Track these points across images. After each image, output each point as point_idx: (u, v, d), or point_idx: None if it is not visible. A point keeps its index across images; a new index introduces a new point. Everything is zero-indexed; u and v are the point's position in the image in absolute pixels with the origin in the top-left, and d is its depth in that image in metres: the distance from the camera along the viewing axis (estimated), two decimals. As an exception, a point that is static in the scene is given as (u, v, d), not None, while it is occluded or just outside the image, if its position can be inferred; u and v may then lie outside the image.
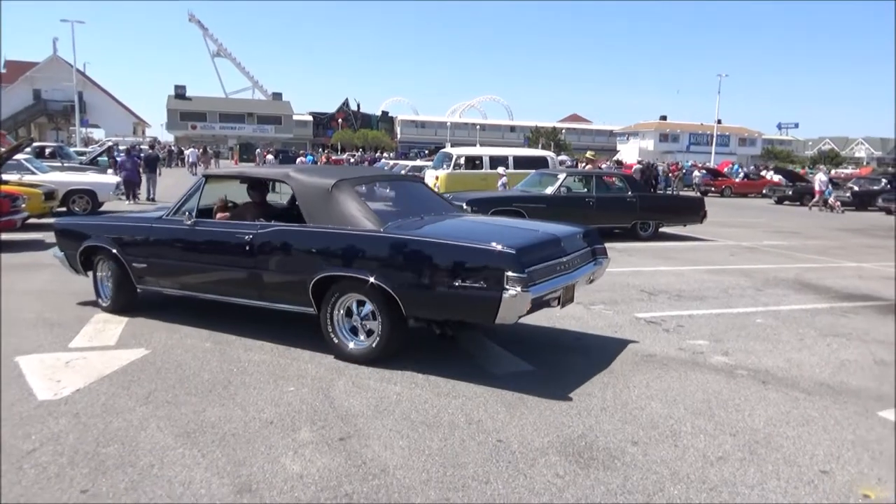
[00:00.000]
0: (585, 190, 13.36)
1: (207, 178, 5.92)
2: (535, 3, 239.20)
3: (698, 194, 26.80)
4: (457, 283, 4.41)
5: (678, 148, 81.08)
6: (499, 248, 4.39)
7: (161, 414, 3.89)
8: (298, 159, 36.44)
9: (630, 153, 76.30)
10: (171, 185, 24.24)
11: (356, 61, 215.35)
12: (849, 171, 55.17)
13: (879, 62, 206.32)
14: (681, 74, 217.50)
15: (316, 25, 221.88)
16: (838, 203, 24.42)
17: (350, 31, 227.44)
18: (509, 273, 4.24)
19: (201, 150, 41.26)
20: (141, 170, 19.37)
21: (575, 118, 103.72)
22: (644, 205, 13.33)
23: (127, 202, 17.87)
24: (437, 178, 17.57)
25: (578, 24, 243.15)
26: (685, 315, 6.72)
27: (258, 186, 5.92)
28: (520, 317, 4.49)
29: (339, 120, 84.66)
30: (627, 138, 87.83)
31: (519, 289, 4.23)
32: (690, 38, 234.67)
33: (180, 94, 76.95)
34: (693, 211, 14.02)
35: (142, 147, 23.49)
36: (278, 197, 6.52)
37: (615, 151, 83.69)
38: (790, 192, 28.71)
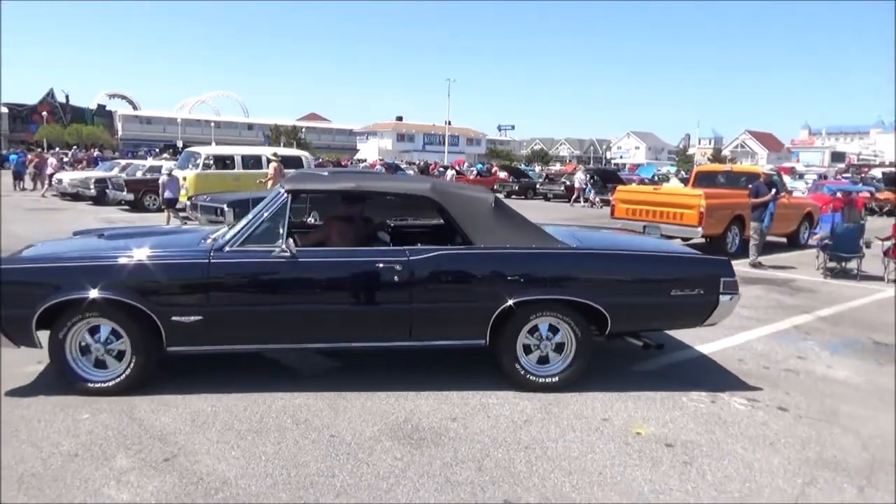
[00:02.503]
0: (347, 189, 13.62)
1: (292, 193, 4.48)
2: (266, 3, 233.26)
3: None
4: (673, 293, 4.61)
5: (414, 147, 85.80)
6: (713, 255, 4.97)
7: (-77, 467, 3.24)
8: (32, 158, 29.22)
9: (370, 152, 78.81)
10: None
11: (63, 49, 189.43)
12: (557, 167, 63.60)
13: (581, 77, 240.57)
14: (416, 76, 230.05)
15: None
16: (598, 199, 26.66)
17: (54, 16, 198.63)
18: (725, 278, 4.64)
19: None
20: None
21: (314, 117, 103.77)
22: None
23: None
24: (184, 178, 16.38)
25: (316, 22, 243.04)
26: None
27: (358, 202, 5.23)
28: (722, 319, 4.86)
29: (44, 113, 73.78)
30: (367, 138, 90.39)
31: (733, 292, 4.67)
32: (424, 40, 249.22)
33: None
34: (445, 206, 15.19)
35: None
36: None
37: (356, 150, 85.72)
38: (516, 187, 32.34)
